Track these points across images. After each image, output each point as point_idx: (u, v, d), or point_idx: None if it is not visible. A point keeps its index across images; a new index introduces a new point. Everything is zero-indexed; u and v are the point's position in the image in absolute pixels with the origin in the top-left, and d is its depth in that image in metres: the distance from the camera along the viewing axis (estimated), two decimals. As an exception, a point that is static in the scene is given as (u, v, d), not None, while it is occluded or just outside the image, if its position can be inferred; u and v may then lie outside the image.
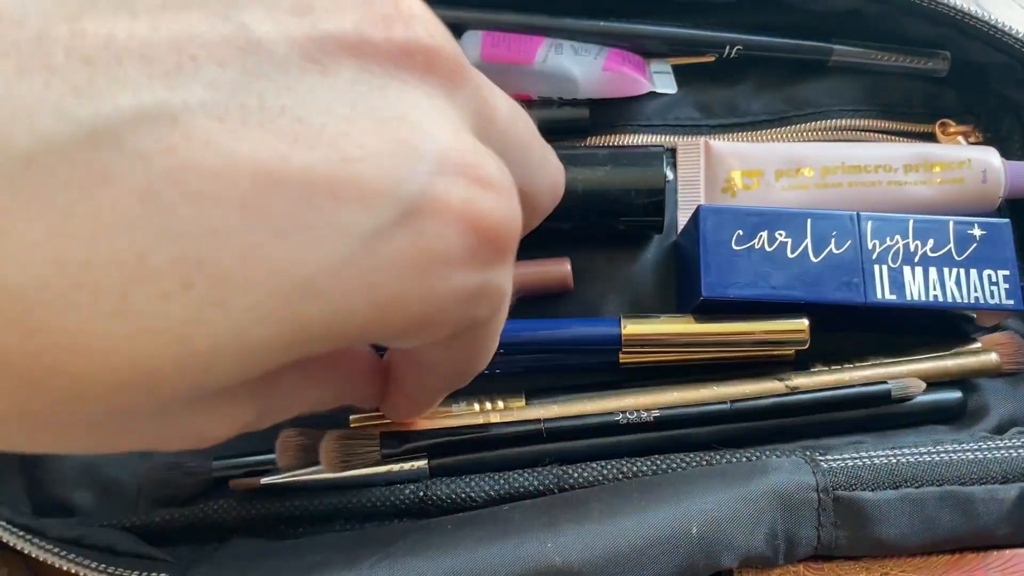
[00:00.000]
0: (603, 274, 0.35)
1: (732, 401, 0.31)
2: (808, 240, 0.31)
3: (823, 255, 0.31)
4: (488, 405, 0.32)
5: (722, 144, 0.35)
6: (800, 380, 0.32)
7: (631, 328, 0.32)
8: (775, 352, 0.32)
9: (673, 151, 0.36)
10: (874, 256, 0.31)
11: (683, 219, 0.35)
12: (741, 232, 0.31)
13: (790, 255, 0.31)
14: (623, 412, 0.31)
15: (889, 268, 0.31)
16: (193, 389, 0.16)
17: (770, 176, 0.34)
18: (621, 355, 0.32)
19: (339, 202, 0.15)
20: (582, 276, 0.35)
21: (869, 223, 0.31)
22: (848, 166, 0.34)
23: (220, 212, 0.15)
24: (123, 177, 0.14)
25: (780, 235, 0.31)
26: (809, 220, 0.31)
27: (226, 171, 0.14)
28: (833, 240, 0.31)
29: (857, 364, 0.32)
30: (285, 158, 0.15)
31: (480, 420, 0.31)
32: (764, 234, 0.31)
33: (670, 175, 0.35)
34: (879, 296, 0.31)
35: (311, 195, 0.15)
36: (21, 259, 0.14)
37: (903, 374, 0.32)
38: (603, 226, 0.34)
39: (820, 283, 0.31)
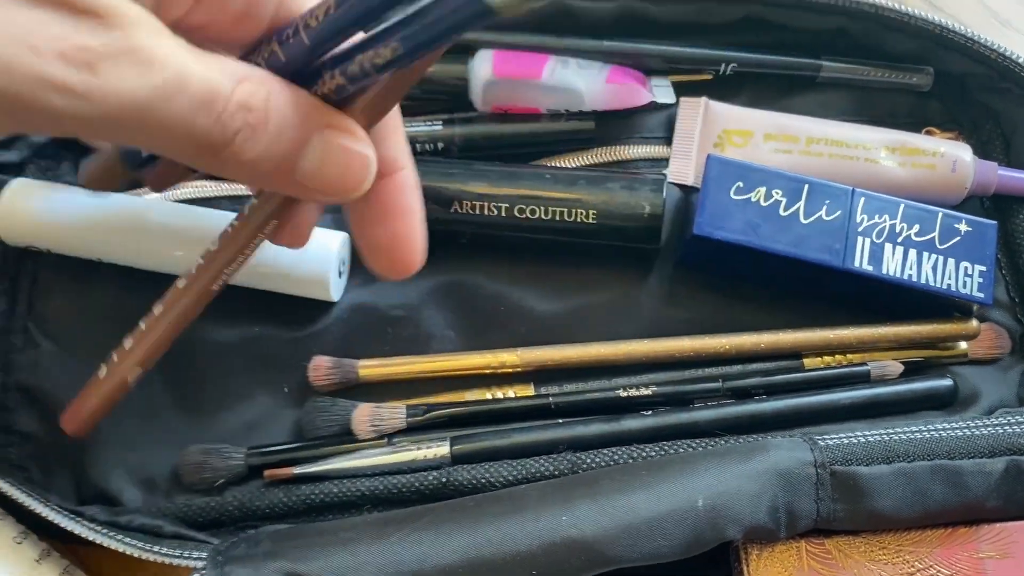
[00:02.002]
0: (606, 284, 0.38)
1: (723, 379, 0.34)
2: (802, 203, 0.33)
3: (812, 219, 0.33)
4: (499, 392, 0.35)
5: (720, 105, 0.38)
6: (790, 336, 0.35)
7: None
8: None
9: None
10: (860, 229, 0.33)
11: (675, 166, 0.38)
12: (741, 184, 0.34)
13: (782, 213, 0.33)
14: (624, 387, 0.34)
15: (872, 242, 0.33)
16: None
17: (759, 137, 0.37)
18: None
19: None
20: (587, 286, 0.37)
21: (862, 199, 0.34)
22: (832, 140, 0.37)
23: None
24: None
25: (776, 194, 0.33)
26: (807, 186, 0.34)
27: None
28: (825, 207, 0.34)
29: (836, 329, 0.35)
30: None
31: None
32: (762, 190, 0.34)
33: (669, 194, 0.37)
34: (856, 264, 0.33)
35: None
36: None
37: (882, 336, 0.34)
38: (603, 245, 0.36)
39: (804, 242, 0.33)
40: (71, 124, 0.20)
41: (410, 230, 0.27)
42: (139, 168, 0.28)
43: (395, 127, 0.26)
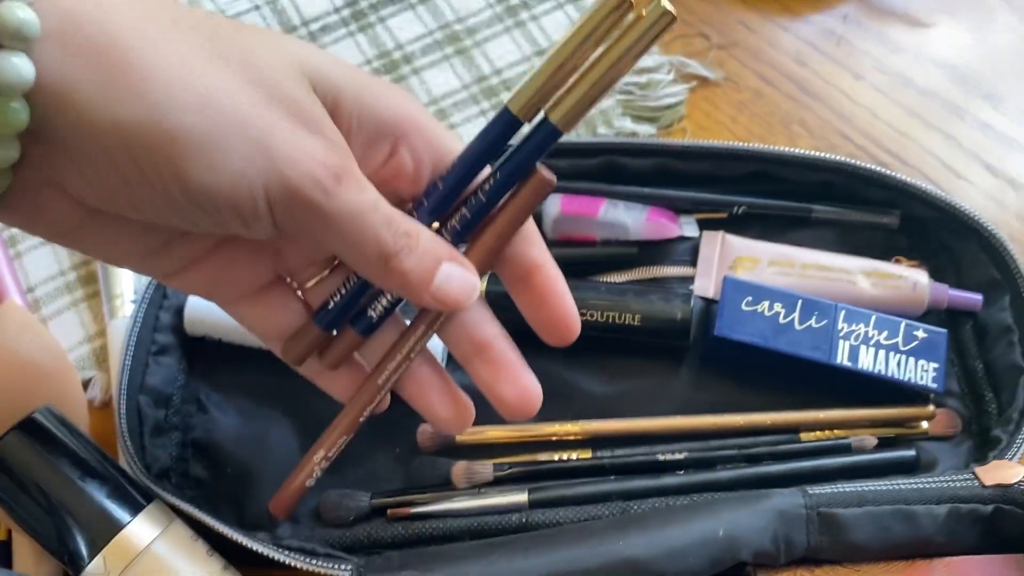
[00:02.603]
0: (647, 372, 0.48)
1: (739, 448, 0.44)
2: (796, 314, 0.44)
3: (805, 326, 0.44)
4: (564, 455, 0.45)
5: (734, 237, 0.50)
6: (789, 416, 0.45)
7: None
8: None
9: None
10: (841, 334, 0.44)
11: (699, 283, 0.49)
12: (751, 299, 0.45)
13: (781, 321, 0.44)
14: (662, 452, 0.44)
15: (850, 344, 0.44)
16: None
17: (764, 263, 0.48)
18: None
19: None
20: (633, 373, 0.48)
21: (843, 312, 0.45)
22: (820, 265, 0.48)
23: None
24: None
25: (778, 306, 0.44)
26: (800, 301, 0.45)
27: None
28: (814, 317, 0.44)
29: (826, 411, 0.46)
30: None
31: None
32: (766, 303, 0.44)
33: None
34: (839, 361, 0.44)
35: None
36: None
37: (861, 416, 0.44)
38: (645, 342, 0.47)
39: (798, 343, 0.44)
40: (316, 218, 0.28)
41: (564, 308, 0.35)
42: (330, 328, 0.37)
43: (534, 241, 0.35)
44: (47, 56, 0.24)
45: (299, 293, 0.37)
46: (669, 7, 0.28)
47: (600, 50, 0.30)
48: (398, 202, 0.34)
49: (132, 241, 0.31)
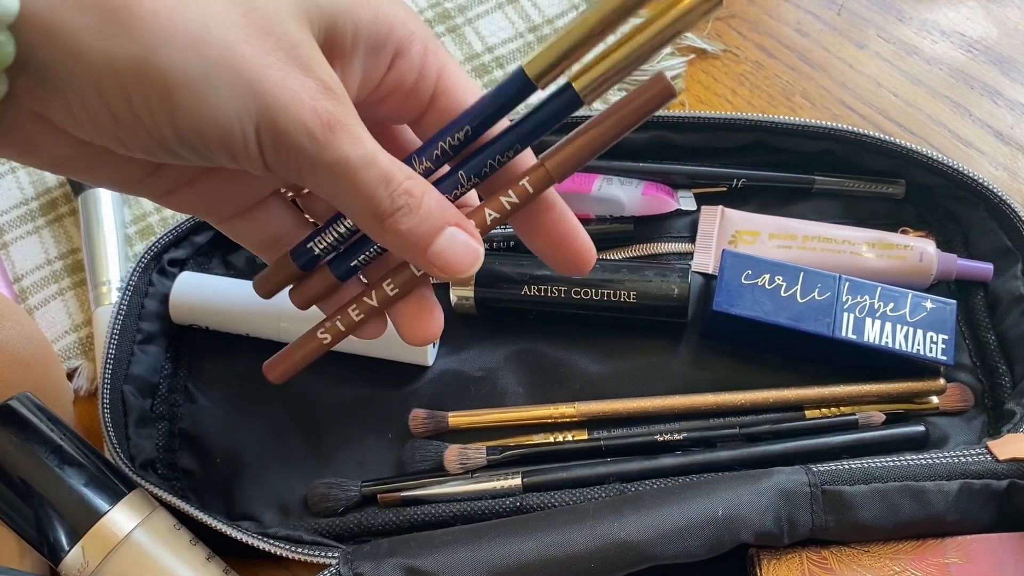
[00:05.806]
0: (645, 351, 0.47)
1: (740, 427, 0.42)
2: (798, 287, 0.42)
3: (807, 299, 0.42)
4: (560, 436, 0.44)
5: (734, 211, 0.48)
6: (793, 393, 0.44)
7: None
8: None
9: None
10: (846, 306, 0.42)
11: (698, 258, 0.48)
12: (750, 272, 0.43)
13: (783, 294, 0.42)
14: (660, 432, 0.42)
15: (855, 317, 0.42)
16: None
17: (765, 236, 0.46)
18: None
19: None
20: (630, 352, 0.47)
21: (847, 284, 0.43)
22: (823, 237, 0.46)
23: None
24: None
25: (778, 279, 0.42)
26: (802, 273, 0.43)
27: None
28: (817, 290, 0.42)
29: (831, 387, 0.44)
30: None
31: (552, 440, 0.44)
32: (767, 276, 0.43)
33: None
34: (843, 334, 0.42)
35: None
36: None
37: (867, 391, 0.42)
38: (642, 319, 0.46)
39: (801, 317, 0.42)
40: (305, 166, 0.27)
41: (582, 240, 0.36)
42: (307, 268, 0.35)
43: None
44: None
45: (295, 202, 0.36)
46: None
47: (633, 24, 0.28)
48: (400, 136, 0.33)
49: (124, 169, 0.30)
